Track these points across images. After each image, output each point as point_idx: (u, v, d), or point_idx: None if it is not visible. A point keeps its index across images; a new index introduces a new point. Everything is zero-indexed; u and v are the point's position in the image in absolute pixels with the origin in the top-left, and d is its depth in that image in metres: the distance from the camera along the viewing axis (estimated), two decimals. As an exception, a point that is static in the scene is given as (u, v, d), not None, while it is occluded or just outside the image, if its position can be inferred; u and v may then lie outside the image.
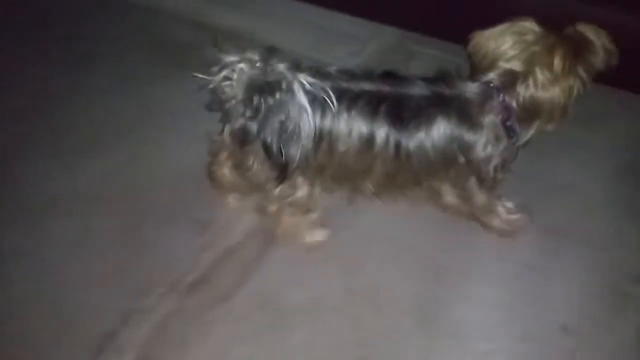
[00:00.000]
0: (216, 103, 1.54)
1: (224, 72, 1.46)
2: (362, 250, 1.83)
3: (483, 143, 1.56)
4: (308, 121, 1.43)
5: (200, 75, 1.52)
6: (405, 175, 1.62)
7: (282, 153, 1.45)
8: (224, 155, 1.73)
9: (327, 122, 1.50)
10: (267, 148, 1.46)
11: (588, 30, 1.52)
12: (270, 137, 1.44)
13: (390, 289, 1.75)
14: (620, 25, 1.72)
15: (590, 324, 1.67)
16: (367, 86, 1.53)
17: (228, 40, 1.52)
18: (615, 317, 1.69)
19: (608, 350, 1.62)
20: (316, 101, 1.45)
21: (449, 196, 1.78)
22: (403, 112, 1.52)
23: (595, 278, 1.77)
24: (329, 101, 1.45)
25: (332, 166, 1.58)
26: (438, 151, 1.55)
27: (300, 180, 1.61)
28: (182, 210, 1.91)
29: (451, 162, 1.60)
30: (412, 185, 1.71)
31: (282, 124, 1.42)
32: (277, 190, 1.60)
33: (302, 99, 1.41)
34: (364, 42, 2.59)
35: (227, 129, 1.59)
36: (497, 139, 1.57)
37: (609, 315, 1.70)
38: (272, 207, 1.71)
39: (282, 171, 1.49)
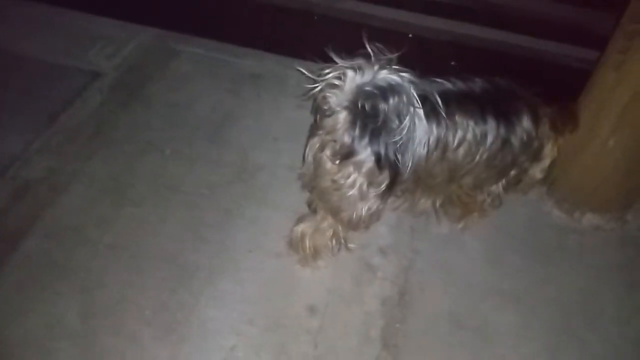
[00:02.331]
0: (315, 112, 1.44)
1: (330, 78, 1.34)
2: (103, 265, 1.67)
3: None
4: (422, 126, 1.35)
5: (306, 72, 1.38)
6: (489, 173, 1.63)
7: (397, 161, 1.35)
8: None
9: (440, 126, 1.43)
10: (379, 157, 1.35)
11: None
12: (384, 146, 1.33)
13: (132, 302, 1.60)
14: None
15: (338, 300, 1.68)
16: (460, 87, 1.51)
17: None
18: (361, 291, 1.71)
19: (353, 325, 1.63)
20: (426, 105, 1.36)
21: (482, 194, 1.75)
22: (502, 111, 1.52)
23: (343, 254, 1.78)
24: (437, 104, 1.38)
25: (438, 173, 1.53)
26: (517, 150, 1.59)
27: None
28: None
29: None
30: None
31: (395, 131, 1.32)
32: (369, 205, 1.49)
33: (417, 104, 1.32)
34: (121, 44, 2.45)
35: (318, 142, 1.45)
36: None
37: (356, 290, 1.72)
38: (327, 221, 1.61)
39: (392, 181, 1.39)
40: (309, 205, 1.77)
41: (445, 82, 1.51)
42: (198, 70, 2.38)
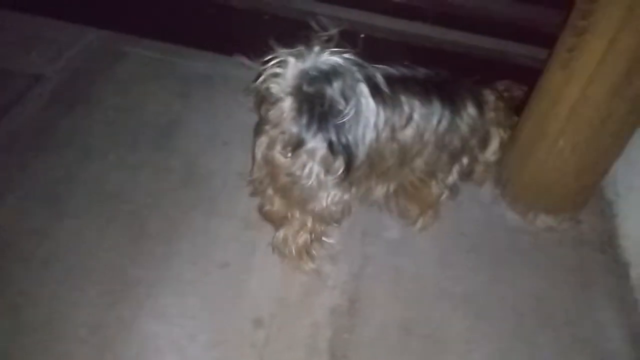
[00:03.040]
0: (259, 107, 1.41)
1: (272, 67, 1.30)
2: (36, 281, 1.58)
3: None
4: (370, 106, 1.33)
5: (246, 61, 1.36)
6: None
7: (349, 144, 1.33)
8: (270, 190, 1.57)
9: (387, 106, 1.41)
10: (330, 143, 1.33)
11: None
12: (334, 131, 1.31)
13: (66, 320, 1.52)
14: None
15: (285, 311, 1.63)
16: (403, 72, 1.50)
17: None
18: (310, 301, 1.67)
19: (301, 336, 1.59)
20: (371, 86, 1.34)
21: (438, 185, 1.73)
22: (446, 94, 1.52)
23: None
24: (381, 84, 1.37)
25: (389, 155, 1.49)
26: (466, 134, 1.59)
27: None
28: None
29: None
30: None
31: (343, 113, 1.29)
32: (332, 194, 1.46)
33: (362, 84, 1.31)
34: (64, 46, 2.35)
35: (266, 139, 1.43)
36: None
37: (304, 300, 1.67)
38: (299, 219, 1.57)
39: (347, 166, 1.38)
40: (260, 210, 1.72)
41: (387, 67, 1.50)
42: (146, 73, 2.29)
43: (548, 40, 1.78)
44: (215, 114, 2.13)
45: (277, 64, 1.33)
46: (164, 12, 2.34)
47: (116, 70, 2.28)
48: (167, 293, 1.62)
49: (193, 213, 1.82)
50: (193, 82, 2.25)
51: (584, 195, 1.94)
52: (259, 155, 1.50)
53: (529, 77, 1.85)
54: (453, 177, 1.70)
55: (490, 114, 1.75)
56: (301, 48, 1.32)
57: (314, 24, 1.33)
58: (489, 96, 1.77)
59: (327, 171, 1.43)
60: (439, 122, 1.53)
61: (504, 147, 1.86)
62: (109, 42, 2.39)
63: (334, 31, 1.32)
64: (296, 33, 1.35)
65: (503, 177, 1.99)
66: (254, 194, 1.70)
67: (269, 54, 1.35)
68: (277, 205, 1.62)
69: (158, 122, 2.10)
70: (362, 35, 2.13)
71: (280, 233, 1.63)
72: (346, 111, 1.32)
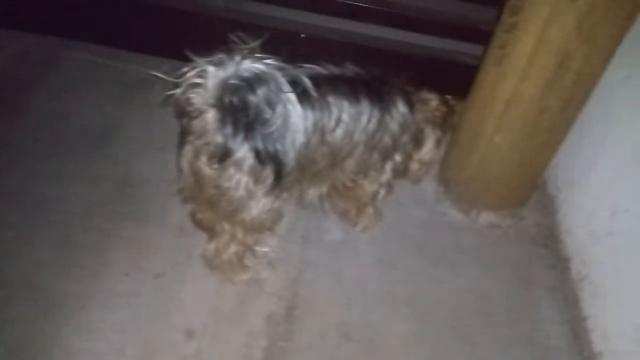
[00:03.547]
0: (180, 117, 1.34)
1: (191, 78, 1.24)
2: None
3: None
4: (297, 112, 1.29)
5: (162, 75, 1.28)
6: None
7: (277, 153, 1.29)
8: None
9: (315, 109, 1.37)
10: (258, 152, 1.29)
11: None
12: (261, 139, 1.27)
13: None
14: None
15: (219, 321, 1.59)
16: (331, 70, 1.47)
17: None
18: (245, 309, 1.63)
19: (234, 347, 1.54)
20: (297, 90, 1.30)
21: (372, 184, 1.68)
22: (375, 92, 1.49)
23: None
24: (308, 87, 1.32)
25: (320, 158, 1.46)
26: (396, 132, 1.56)
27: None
28: None
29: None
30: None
31: (270, 121, 1.25)
32: (262, 203, 1.42)
33: (288, 90, 1.26)
34: (-3, 51, 2.24)
35: (191, 149, 1.37)
36: None
37: (239, 309, 1.63)
38: (228, 231, 1.52)
39: (277, 175, 1.34)
40: (192, 217, 1.67)
41: (314, 66, 1.47)
42: (82, 78, 2.21)
43: (486, 37, 1.76)
44: (152, 119, 2.06)
45: (197, 74, 1.27)
46: (100, 14, 2.25)
47: (50, 76, 2.19)
48: (96, 307, 1.56)
49: (126, 222, 1.76)
50: (130, 86, 2.18)
51: (525, 191, 1.94)
52: (184, 164, 1.44)
53: (469, 74, 1.83)
54: (387, 175, 1.68)
55: (426, 113, 1.73)
56: (221, 56, 1.26)
57: (233, 39, 1.28)
58: (432, 99, 1.75)
59: (256, 181, 1.38)
60: (369, 121, 1.50)
61: (442, 146, 1.85)
62: (44, 46, 2.30)
63: (254, 44, 1.27)
64: (234, 34, 1.30)
65: (445, 176, 1.98)
66: (184, 201, 1.64)
67: (189, 63, 1.28)
68: (207, 214, 1.57)
69: (93, 129, 2.03)
70: (303, 35, 2.10)
71: (211, 245, 1.59)
72: (273, 119, 1.27)
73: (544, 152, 1.77)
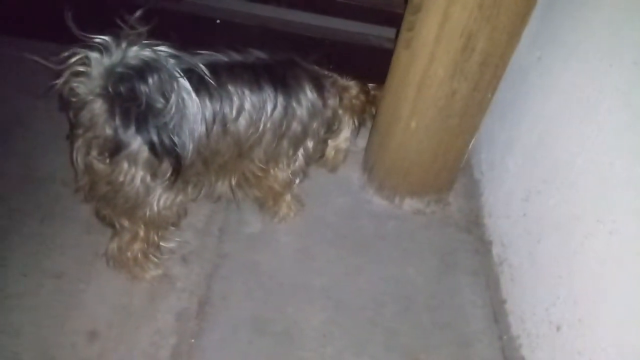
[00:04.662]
0: (66, 109, 1.25)
1: (73, 65, 1.15)
2: None
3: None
4: (193, 101, 1.22)
5: (42, 61, 1.19)
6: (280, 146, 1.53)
7: (174, 145, 1.21)
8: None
9: (214, 98, 1.30)
10: (153, 145, 1.20)
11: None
12: (156, 131, 1.18)
13: None
14: None
15: (125, 321, 1.51)
16: (232, 57, 1.40)
17: None
18: (154, 306, 1.56)
19: (140, 347, 1.47)
20: (194, 78, 1.23)
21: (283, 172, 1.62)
22: (280, 79, 1.43)
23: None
24: (205, 75, 1.25)
25: (225, 149, 1.39)
26: (305, 118, 1.50)
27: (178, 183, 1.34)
28: None
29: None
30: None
31: (164, 111, 1.18)
32: (163, 198, 1.35)
33: (182, 78, 1.19)
34: None
35: (82, 144, 1.27)
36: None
37: (148, 306, 1.56)
38: (129, 228, 1.43)
39: (176, 168, 1.26)
40: (97, 214, 1.58)
41: (213, 53, 1.40)
42: (-18, 70, 2.08)
43: (399, 20, 1.73)
44: (55, 110, 1.94)
45: (79, 62, 1.19)
46: (17, 6, 2.12)
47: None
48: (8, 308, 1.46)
49: (27, 220, 1.66)
50: (34, 76, 2.05)
51: (448, 176, 1.93)
52: (78, 160, 1.35)
53: (386, 59, 1.80)
54: (299, 161, 1.63)
55: (345, 101, 1.69)
56: (105, 39, 1.19)
57: (120, 23, 1.20)
58: (351, 86, 1.72)
59: (154, 175, 1.32)
60: (274, 108, 1.44)
61: (360, 134, 1.81)
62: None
63: (142, 29, 1.20)
64: (140, 20, 1.23)
65: (368, 163, 1.95)
66: (84, 199, 1.55)
67: (69, 49, 1.21)
68: (107, 211, 1.49)
69: (-4, 123, 1.91)
70: (218, 21, 2.02)
71: (113, 243, 1.51)
72: (167, 110, 1.20)
73: (460, 136, 1.75)
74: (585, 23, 1.49)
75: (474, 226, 1.94)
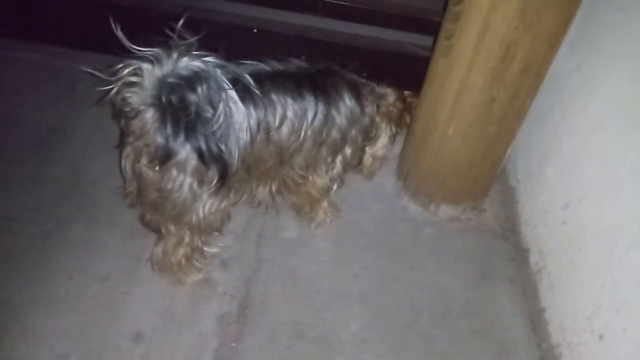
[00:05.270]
0: (118, 118, 1.30)
1: (125, 76, 1.19)
2: None
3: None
4: (240, 110, 1.26)
5: (95, 72, 1.22)
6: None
7: (221, 153, 1.25)
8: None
9: (258, 107, 1.34)
10: (201, 153, 1.24)
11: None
12: (204, 139, 1.22)
13: None
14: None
15: (168, 324, 1.54)
16: (274, 66, 1.43)
17: None
18: (196, 310, 1.58)
19: (183, 350, 1.50)
20: (239, 88, 1.26)
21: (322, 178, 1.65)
22: (320, 87, 1.46)
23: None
24: (250, 84, 1.28)
25: (267, 157, 1.43)
26: (344, 126, 1.53)
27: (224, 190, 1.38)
28: None
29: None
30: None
31: (212, 120, 1.21)
32: (208, 205, 1.39)
33: (228, 87, 1.22)
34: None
35: (131, 151, 1.32)
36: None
37: (190, 310, 1.59)
38: (175, 233, 1.46)
39: (222, 175, 1.30)
40: (142, 220, 1.62)
41: (257, 63, 1.44)
42: (33, 79, 2.16)
43: (437, 28, 1.74)
44: (104, 118, 2.00)
45: (132, 72, 1.23)
46: (53, 14, 2.20)
47: (3, 78, 2.13)
48: (38, 312, 1.51)
49: (73, 225, 1.71)
50: (81, 86, 2.13)
51: (484, 183, 1.92)
52: (127, 167, 1.40)
53: (422, 67, 1.81)
54: (337, 168, 1.65)
55: (382, 108, 1.71)
56: (157, 51, 1.22)
57: (170, 33, 1.24)
58: (388, 93, 1.74)
59: (201, 182, 1.34)
60: (315, 116, 1.47)
61: (399, 140, 1.83)
62: (-7, 48, 2.23)
63: (192, 39, 1.23)
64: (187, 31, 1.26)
65: (403, 170, 1.96)
66: (131, 205, 1.59)
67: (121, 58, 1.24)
68: (154, 217, 1.53)
69: (41, 131, 1.98)
70: (255, 30, 2.06)
71: (158, 248, 1.54)
72: (215, 118, 1.23)
73: (498, 143, 1.75)
74: (626, 30, 1.48)
75: (509, 233, 1.93)
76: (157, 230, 1.58)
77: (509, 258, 1.86)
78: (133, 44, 1.23)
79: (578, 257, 1.56)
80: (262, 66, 1.45)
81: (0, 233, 1.66)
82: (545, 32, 1.45)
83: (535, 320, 1.69)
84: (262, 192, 1.58)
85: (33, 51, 2.25)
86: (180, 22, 1.26)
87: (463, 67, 1.58)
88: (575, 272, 1.57)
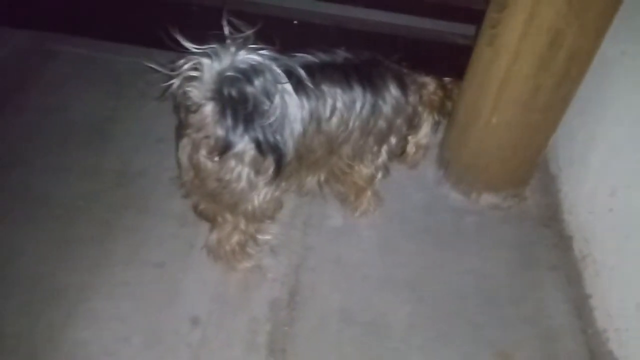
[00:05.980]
0: (178, 111, 1.34)
1: (186, 71, 1.23)
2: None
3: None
4: (294, 102, 1.29)
5: (156, 67, 1.27)
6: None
7: (277, 143, 1.29)
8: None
9: (310, 99, 1.38)
10: (259, 144, 1.28)
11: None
12: (261, 131, 1.26)
13: None
14: None
15: (222, 308, 1.59)
16: (322, 58, 1.46)
17: None
18: (248, 296, 1.63)
19: (238, 333, 1.55)
20: (292, 80, 1.29)
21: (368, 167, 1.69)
22: (366, 77, 1.50)
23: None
24: (303, 77, 1.32)
25: (318, 147, 1.47)
26: (390, 115, 1.56)
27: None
28: None
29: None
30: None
31: (269, 112, 1.25)
32: (263, 193, 1.43)
33: (285, 81, 1.26)
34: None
35: (189, 143, 1.37)
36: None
37: (242, 295, 1.64)
38: (231, 221, 1.52)
39: (278, 165, 1.35)
40: (195, 209, 1.67)
41: (305, 55, 1.47)
42: (77, 72, 2.22)
43: (479, 17, 1.75)
44: (148, 110, 2.06)
45: (192, 67, 1.27)
46: (94, 8, 2.25)
47: (46, 71, 2.21)
48: (99, 297, 1.57)
49: (126, 213, 1.77)
50: (125, 78, 2.18)
51: (525, 171, 1.93)
52: (184, 158, 1.44)
53: (463, 55, 1.82)
54: (382, 157, 1.68)
55: (423, 97, 1.74)
56: (215, 46, 1.25)
57: (226, 26, 1.27)
58: (429, 82, 1.76)
59: (258, 172, 1.39)
60: (362, 107, 1.50)
61: (440, 129, 1.85)
62: (38, 42, 2.31)
63: (248, 32, 1.26)
64: (229, 24, 1.29)
65: (445, 158, 1.98)
66: (186, 195, 1.64)
67: (181, 54, 1.28)
68: (209, 206, 1.58)
69: (89, 122, 2.04)
70: (296, 22, 2.09)
71: (213, 235, 1.60)
72: (271, 110, 1.27)
73: (541, 132, 1.76)
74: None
75: (552, 221, 1.94)
76: (211, 219, 1.63)
77: (551, 245, 1.87)
78: (176, 37, 1.27)
79: (626, 245, 1.57)
80: (311, 58, 1.47)
81: (60, 221, 1.72)
82: (593, 20, 1.46)
83: (580, 306, 1.70)
84: (311, 181, 1.62)
85: (72, 45, 2.31)
86: (224, 17, 1.28)
87: (508, 55, 1.59)
88: (623, 259, 1.58)
